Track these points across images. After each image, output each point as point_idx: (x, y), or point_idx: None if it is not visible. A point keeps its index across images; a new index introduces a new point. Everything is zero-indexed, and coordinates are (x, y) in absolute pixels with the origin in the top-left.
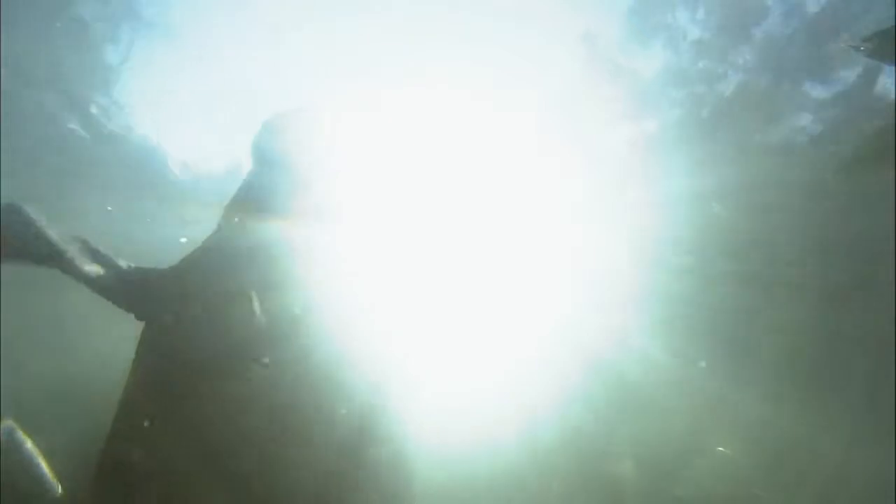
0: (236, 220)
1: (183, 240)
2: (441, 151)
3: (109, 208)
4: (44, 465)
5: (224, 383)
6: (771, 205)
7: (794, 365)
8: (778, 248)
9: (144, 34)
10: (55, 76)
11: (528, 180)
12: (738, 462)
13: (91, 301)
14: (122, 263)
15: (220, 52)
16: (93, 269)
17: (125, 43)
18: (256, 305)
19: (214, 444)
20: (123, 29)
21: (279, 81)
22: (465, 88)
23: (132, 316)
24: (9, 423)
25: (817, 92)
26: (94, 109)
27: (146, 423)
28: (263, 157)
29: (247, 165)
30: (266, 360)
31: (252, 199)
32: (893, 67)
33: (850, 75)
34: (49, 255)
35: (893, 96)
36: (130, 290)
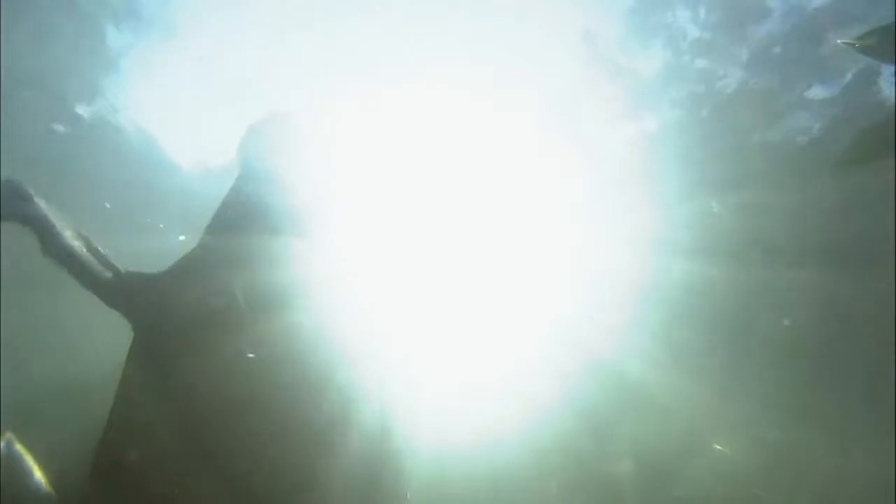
0: (224, 227)
1: (182, 237)
2: (440, 151)
3: (107, 205)
4: (42, 479)
5: (217, 381)
6: (770, 204)
7: (794, 365)
8: (778, 247)
9: (144, 33)
10: (54, 74)
11: (528, 180)
12: (738, 462)
13: (92, 301)
14: (120, 267)
15: (221, 50)
16: (93, 264)
17: (124, 41)
18: (241, 299)
19: (208, 443)
20: (122, 27)
21: (278, 80)
22: (464, 88)
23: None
24: (8, 436)
25: (817, 91)
26: (92, 107)
27: (141, 423)
28: (251, 163)
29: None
30: (251, 354)
31: (240, 206)
32: (891, 66)
33: (850, 74)
34: (46, 238)
35: (894, 95)
36: (128, 294)
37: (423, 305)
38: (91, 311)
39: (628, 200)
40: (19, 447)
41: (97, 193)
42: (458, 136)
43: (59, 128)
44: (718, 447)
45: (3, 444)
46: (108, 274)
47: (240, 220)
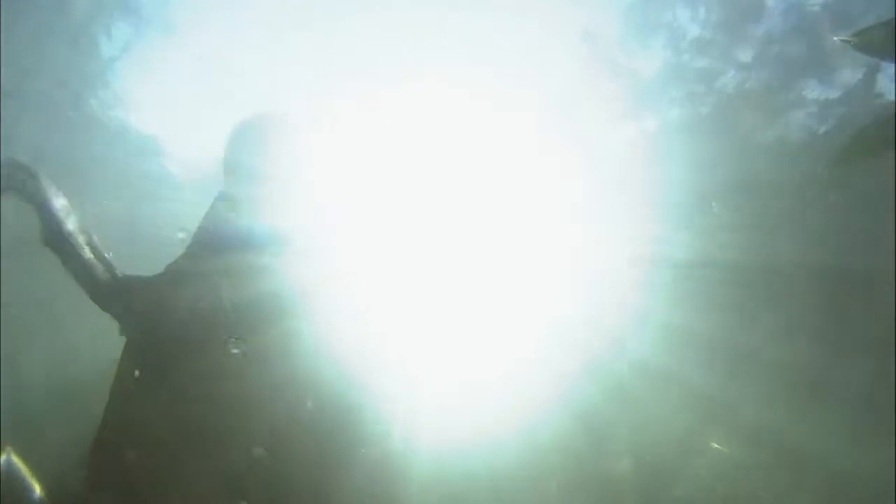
0: (212, 232)
1: (181, 235)
2: (438, 150)
3: (105, 202)
4: (42, 497)
5: (212, 382)
6: (770, 204)
7: (794, 364)
8: (777, 246)
9: (143, 31)
10: (51, 71)
11: (527, 179)
12: (738, 461)
13: (91, 301)
14: (118, 268)
15: (221, 49)
16: (93, 262)
17: (123, 38)
18: (224, 292)
19: (203, 441)
20: (120, 25)
21: (277, 79)
22: (462, 88)
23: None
24: (7, 451)
25: (817, 90)
26: (91, 103)
27: (136, 423)
28: (237, 165)
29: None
30: (236, 349)
31: (228, 212)
32: (891, 64)
33: (849, 73)
34: (51, 223)
35: (894, 94)
36: (125, 297)
37: (421, 305)
38: (91, 310)
39: (627, 199)
40: (19, 462)
41: (95, 189)
42: (456, 136)
43: (56, 123)
44: (716, 446)
45: (2, 460)
46: (107, 275)
47: (224, 241)
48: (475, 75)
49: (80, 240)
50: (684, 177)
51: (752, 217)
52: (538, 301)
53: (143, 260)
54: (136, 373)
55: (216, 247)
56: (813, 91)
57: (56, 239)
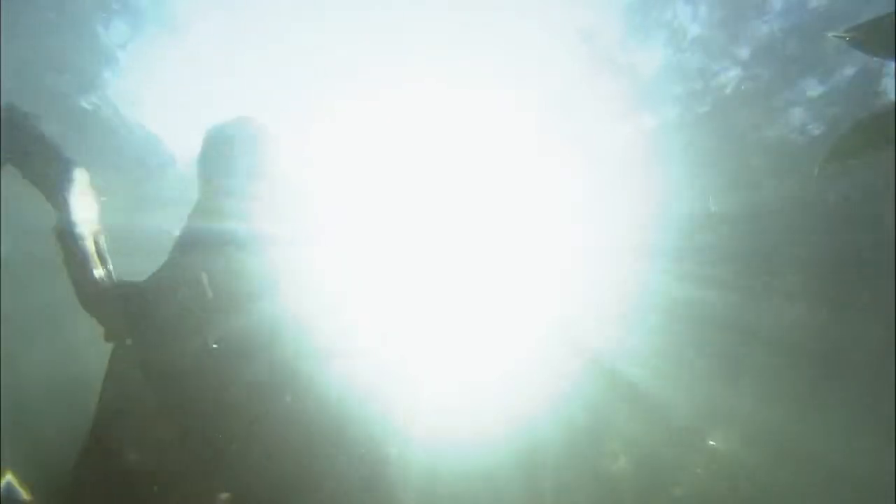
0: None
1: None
2: (437, 150)
3: (104, 198)
4: None
5: (200, 379)
6: (769, 204)
7: (794, 363)
8: (777, 244)
9: (142, 27)
10: (51, 67)
11: (525, 178)
12: (737, 460)
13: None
14: (114, 273)
15: (221, 48)
16: (94, 263)
17: (122, 35)
18: (207, 289)
19: (189, 442)
20: (119, 23)
21: (276, 78)
22: (461, 87)
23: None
24: (7, 478)
25: (817, 89)
26: (90, 100)
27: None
28: (213, 171)
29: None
30: (214, 345)
31: (209, 218)
32: (891, 62)
33: (850, 72)
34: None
35: (894, 93)
36: (119, 304)
37: (419, 305)
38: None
39: (627, 198)
40: (19, 487)
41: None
42: (455, 135)
43: (56, 119)
44: (713, 443)
45: (2, 486)
46: (102, 282)
47: (206, 242)
48: (475, 74)
49: (90, 241)
50: (683, 174)
51: (751, 216)
52: (536, 299)
53: (142, 260)
54: (126, 377)
55: (200, 247)
56: (813, 89)
57: (67, 235)
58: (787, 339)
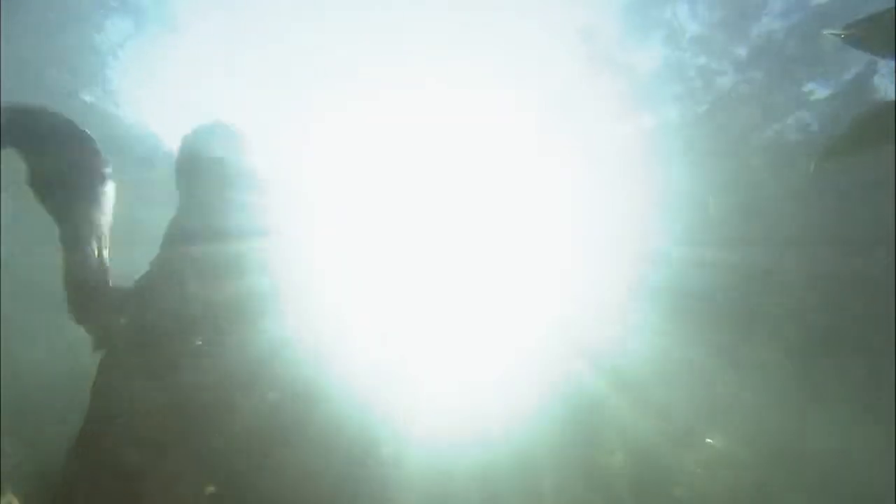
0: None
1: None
2: (436, 149)
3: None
4: None
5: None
6: (769, 200)
7: (794, 360)
8: (777, 244)
9: (145, 28)
10: (50, 64)
11: (525, 176)
12: (736, 459)
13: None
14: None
15: (221, 47)
16: (94, 266)
17: (123, 32)
18: (192, 287)
19: (181, 446)
20: (119, 21)
21: (276, 76)
22: (460, 87)
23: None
24: (8, 498)
25: (816, 89)
26: (89, 98)
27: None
28: (193, 174)
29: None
30: (199, 341)
31: (192, 221)
32: (890, 61)
33: (849, 71)
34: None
35: (894, 92)
36: (113, 311)
37: (418, 305)
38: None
39: (626, 197)
40: None
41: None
42: (455, 135)
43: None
44: (710, 441)
45: None
46: (104, 285)
47: (193, 241)
48: (475, 74)
49: (93, 246)
50: (682, 174)
51: (751, 213)
52: (535, 299)
53: (142, 259)
54: (116, 383)
55: (186, 247)
56: (812, 89)
57: (71, 239)
58: (788, 333)
